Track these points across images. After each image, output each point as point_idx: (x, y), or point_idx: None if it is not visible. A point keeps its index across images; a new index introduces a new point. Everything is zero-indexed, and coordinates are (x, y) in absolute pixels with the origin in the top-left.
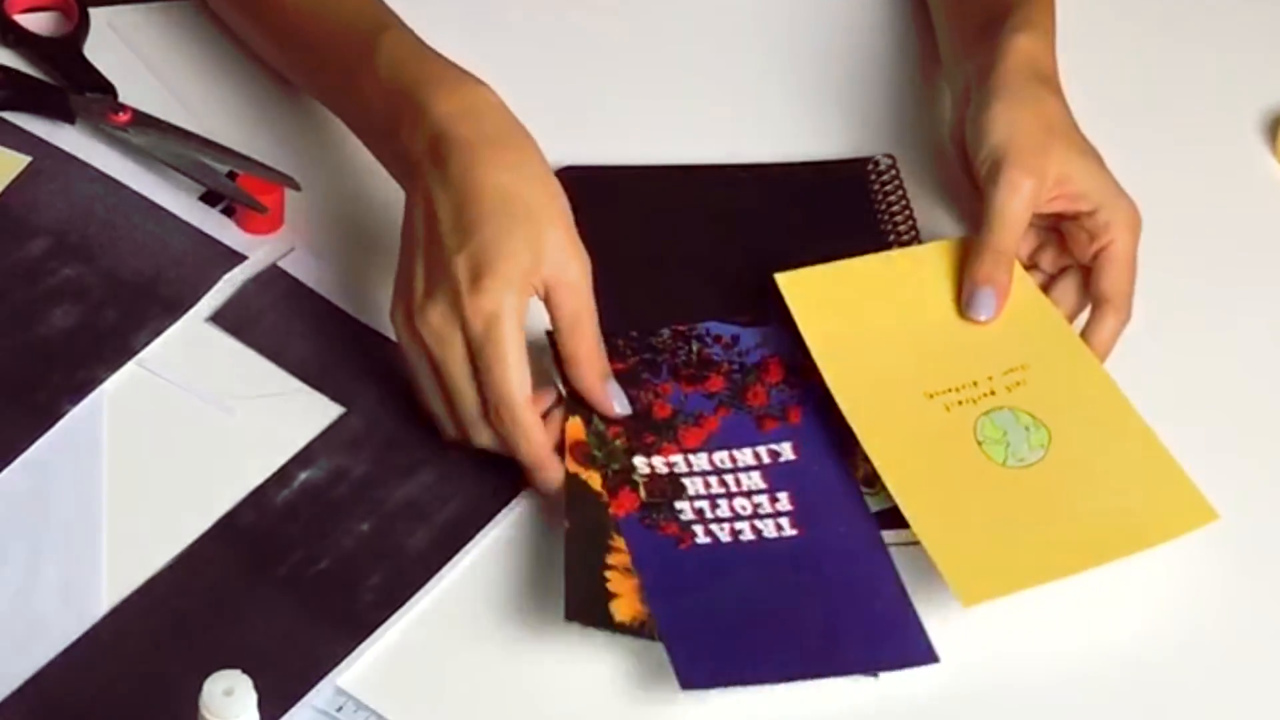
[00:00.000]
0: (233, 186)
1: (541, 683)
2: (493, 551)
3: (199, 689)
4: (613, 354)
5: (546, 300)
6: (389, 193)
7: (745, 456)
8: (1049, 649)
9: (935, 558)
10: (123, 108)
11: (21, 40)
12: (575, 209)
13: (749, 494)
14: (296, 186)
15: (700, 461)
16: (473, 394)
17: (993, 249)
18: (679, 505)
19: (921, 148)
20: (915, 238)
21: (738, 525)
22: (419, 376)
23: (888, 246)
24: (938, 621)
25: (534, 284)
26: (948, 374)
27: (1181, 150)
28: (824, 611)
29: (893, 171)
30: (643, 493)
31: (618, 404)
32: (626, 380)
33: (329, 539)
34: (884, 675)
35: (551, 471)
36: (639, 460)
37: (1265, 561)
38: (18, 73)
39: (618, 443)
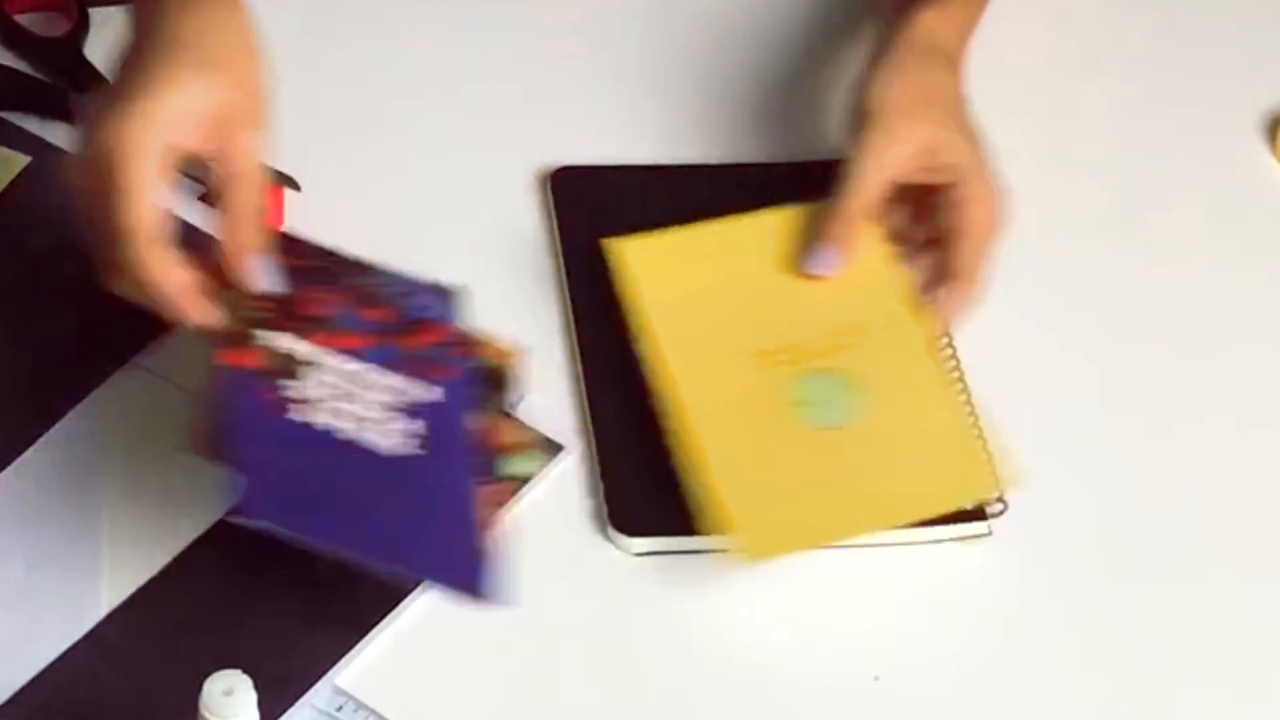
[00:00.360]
0: None
1: (541, 681)
2: None
3: (199, 689)
4: (297, 252)
5: (212, 159)
6: (389, 193)
7: (388, 380)
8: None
9: (728, 514)
10: None
11: (21, 40)
12: (569, 208)
13: (373, 405)
14: (296, 186)
15: (334, 362)
16: (102, 234)
17: (842, 208)
18: (287, 383)
19: None
20: None
21: (342, 424)
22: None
23: None
24: (937, 623)
25: (192, 136)
26: (777, 333)
27: (1181, 150)
28: (408, 514)
29: None
30: (258, 357)
31: (262, 276)
32: (298, 276)
33: None
34: (884, 677)
35: (187, 310)
36: (264, 332)
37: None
38: (18, 73)
39: (255, 312)
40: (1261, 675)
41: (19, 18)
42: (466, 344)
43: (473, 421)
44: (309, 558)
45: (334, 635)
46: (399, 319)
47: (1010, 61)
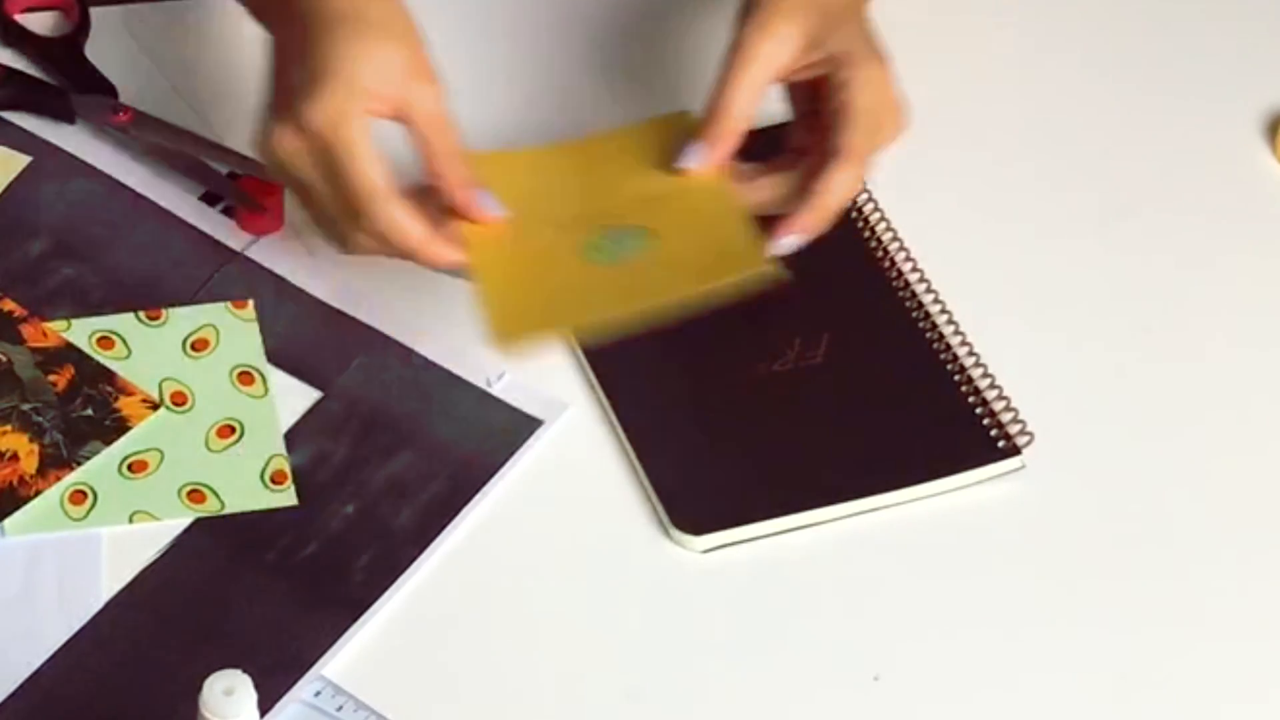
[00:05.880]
0: (233, 186)
1: (539, 673)
2: (486, 537)
3: (193, 678)
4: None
5: (401, 121)
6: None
7: None
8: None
9: (482, 306)
10: (123, 108)
11: (22, 40)
12: None
13: None
14: None
15: None
16: (337, 204)
17: (717, 106)
18: None
19: None
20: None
21: None
22: (295, 198)
23: None
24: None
25: (381, 99)
26: (588, 201)
27: (1182, 150)
28: None
29: None
30: None
31: (490, 208)
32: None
33: (315, 523)
34: (884, 677)
35: (441, 255)
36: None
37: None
38: (18, 73)
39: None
40: None
41: (19, 18)
42: None
43: None
44: (297, 542)
45: (326, 618)
46: None
47: (1009, 61)
